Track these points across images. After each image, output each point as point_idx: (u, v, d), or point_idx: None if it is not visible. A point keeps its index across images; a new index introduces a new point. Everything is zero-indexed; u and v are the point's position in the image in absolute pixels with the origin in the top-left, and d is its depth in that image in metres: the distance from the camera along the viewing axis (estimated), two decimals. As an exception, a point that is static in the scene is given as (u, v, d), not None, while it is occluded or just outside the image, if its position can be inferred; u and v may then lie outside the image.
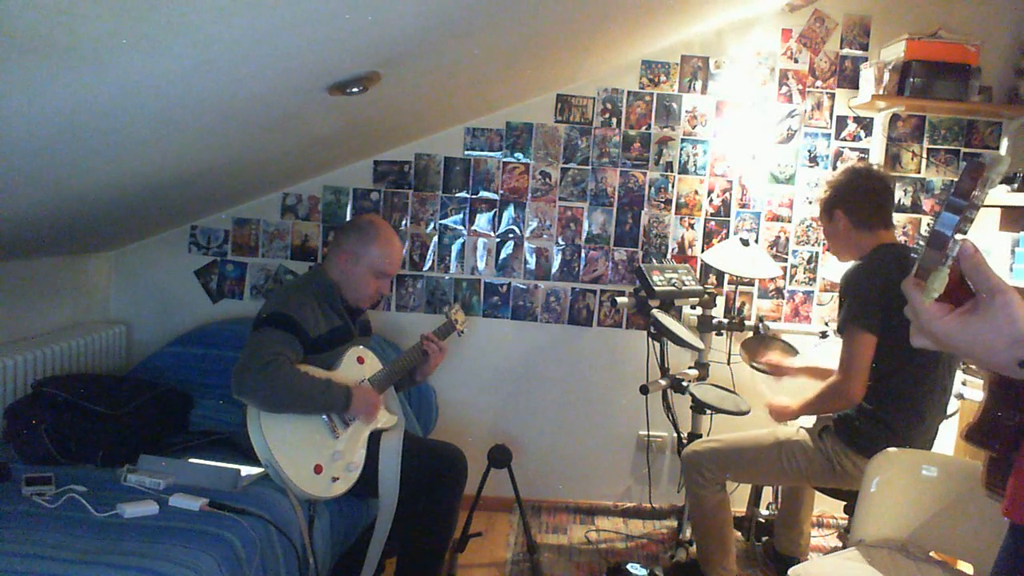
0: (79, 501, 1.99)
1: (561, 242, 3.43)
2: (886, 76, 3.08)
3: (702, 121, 3.37)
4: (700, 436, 3.04)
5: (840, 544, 3.20)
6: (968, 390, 2.87)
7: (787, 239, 3.43)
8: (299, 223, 3.41)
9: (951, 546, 2.14)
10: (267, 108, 2.00)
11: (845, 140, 3.39)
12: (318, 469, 2.21)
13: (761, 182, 3.40)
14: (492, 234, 3.43)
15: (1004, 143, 3.32)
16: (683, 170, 3.39)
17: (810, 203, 3.38)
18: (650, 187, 3.40)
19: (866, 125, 3.38)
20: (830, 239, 2.59)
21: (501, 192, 3.40)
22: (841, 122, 3.38)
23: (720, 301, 3.41)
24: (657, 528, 3.41)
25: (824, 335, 3.21)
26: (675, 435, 3.15)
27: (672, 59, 3.34)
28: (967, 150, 3.38)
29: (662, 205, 3.41)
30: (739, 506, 3.07)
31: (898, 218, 3.36)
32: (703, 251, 3.40)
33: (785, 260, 3.42)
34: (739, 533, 3.12)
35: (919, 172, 3.39)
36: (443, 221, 3.41)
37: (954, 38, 3.10)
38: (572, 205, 3.41)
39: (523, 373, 3.49)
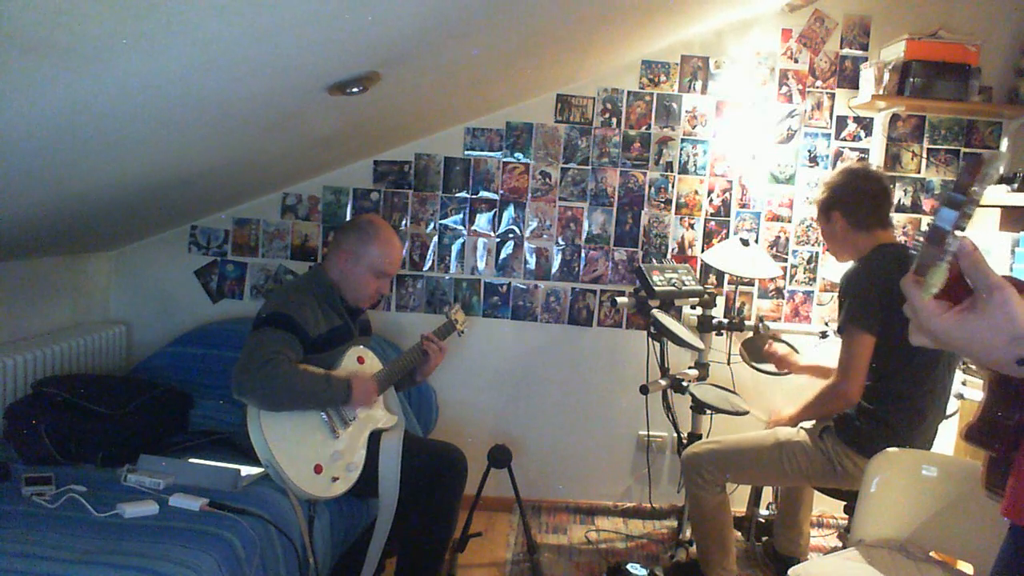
0: (79, 501, 1.99)
1: (561, 242, 3.43)
2: (886, 76, 3.08)
3: (702, 121, 3.37)
4: (700, 436, 3.04)
5: (840, 544, 3.20)
6: (968, 390, 2.87)
7: (787, 239, 3.43)
8: (299, 223, 3.41)
9: (951, 546, 2.14)
10: (267, 108, 2.00)
11: (845, 140, 3.39)
12: (318, 469, 2.21)
13: (761, 182, 3.40)
14: (492, 234, 3.43)
15: (1004, 143, 3.32)
16: (683, 170, 3.39)
17: (810, 203, 3.37)
18: (650, 187, 3.40)
19: (866, 125, 3.38)
20: (829, 240, 2.59)
21: (501, 192, 3.40)
22: (841, 122, 3.38)
23: (720, 301, 3.41)
24: (657, 528, 3.41)
25: (824, 335, 3.21)
26: (675, 435, 3.15)
27: (672, 59, 3.34)
28: (967, 150, 3.38)
29: (662, 205, 3.41)
30: (739, 506, 3.07)
31: (898, 218, 3.37)
32: (703, 251, 3.40)
33: (785, 260, 3.42)
34: (739, 533, 3.12)
35: (919, 172, 3.39)
36: (443, 221, 3.42)
37: (954, 38, 3.10)
38: (572, 205, 3.41)
39: (523, 373, 3.49)
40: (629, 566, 2.75)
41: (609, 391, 3.47)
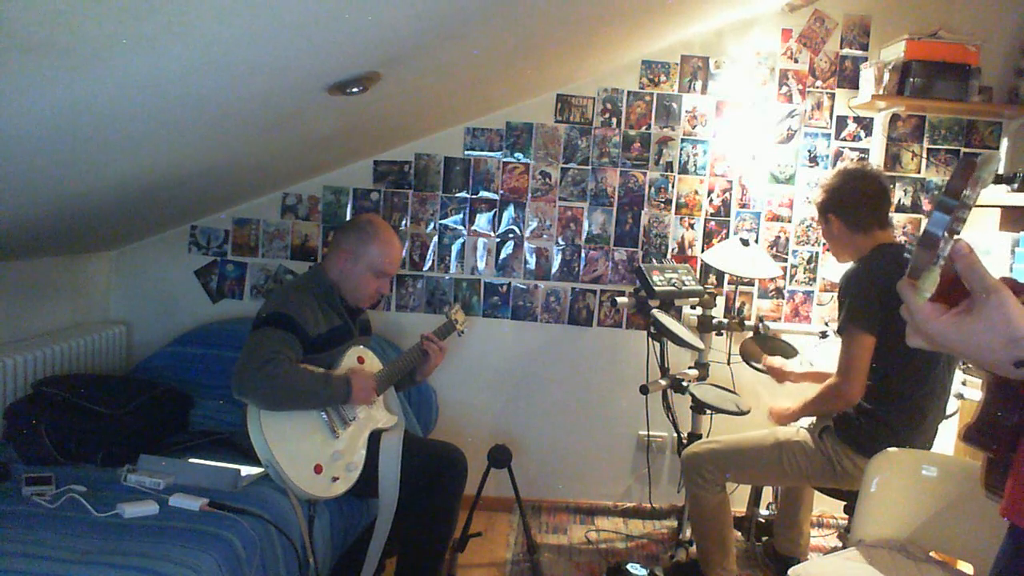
0: (79, 501, 1.99)
1: (561, 242, 3.43)
2: (886, 76, 3.08)
3: (702, 121, 3.37)
4: (700, 436, 3.04)
5: (840, 544, 3.20)
6: (968, 390, 2.87)
7: (787, 239, 3.43)
8: (299, 223, 3.41)
9: (951, 546, 2.14)
10: (267, 108, 2.00)
11: (845, 140, 3.39)
12: (318, 469, 2.21)
13: (761, 182, 3.40)
14: (492, 234, 3.43)
15: (1004, 143, 3.32)
16: (683, 170, 3.39)
17: (809, 203, 3.37)
18: (650, 187, 3.40)
19: (866, 125, 3.38)
20: (828, 241, 2.59)
21: (501, 192, 3.40)
22: (841, 122, 3.38)
23: (720, 301, 3.41)
24: (657, 528, 3.41)
25: (824, 335, 3.21)
26: (675, 435, 3.15)
27: (672, 59, 3.34)
28: (967, 150, 3.38)
29: (662, 205, 3.41)
30: (739, 506, 3.07)
31: (898, 218, 3.37)
32: (703, 251, 3.40)
33: (785, 260, 3.42)
34: (739, 533, 3.12)
35: (919, 172, 3.39)
36: (443, 221, 3.42)
37: (954, 38, 3.10)
38: (572, 205, 3.41)
39: (523, 373, 3.49)
40: (629, 566, 2.75)
41: (609, 391, 3.47)
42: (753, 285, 3.44)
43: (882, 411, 2.37)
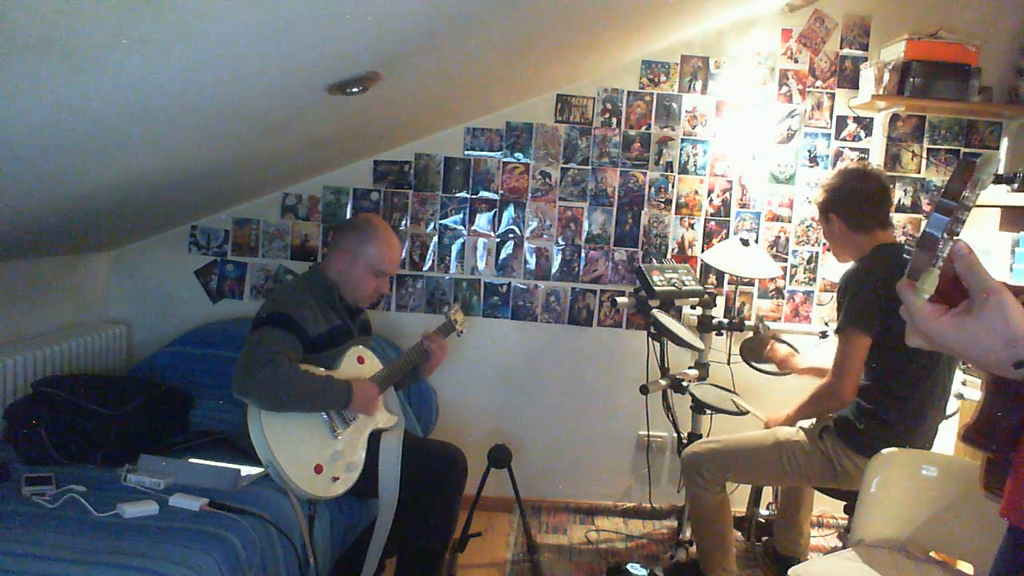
0: (79, 501, 1.98)
1: (561, 242, 3.43)
2: (886, 76, 3.08)
3: (702, 121, 3.37)
4: (700, 436, 3.03)
5: (840, 544, 3.20)
6: (968, 390, 2.87)
7: (787, 239, 3.43)
8: (299, 223, 3.41)
9: (951, 546, 2.14)
10: (267, 108, 2.00)
11: (845, 140, 3.39)
12: (318, 469, 2.21)
13: (761, 182, 3.40)
14: (492, 234, 3.43)
15: (1004, 143, 3.32)
16: (683, 170, 3.39)
17: (810, 203, 3.37)
18: (650, 187, 3.40)
19: (866, 125, 3.38)
20: (829, 241, 2.59)
21: (501, 192, 3.40)
22: (841, 122, 3.38)
23: (720, 301, 3.41)
24: (657, 528, 3.41)
25: (824, 335, 3.21)
26: (675, 435, 3.15)
27: (672, 59, 3.34)
28: (967, 150, 3.38)
29: (662, 205, 3.41)
30: (739, 506, 3.07)
31: (898, 218, 3.37)
32: (703, 251, 3.40)
33: (785, 260, 3.42)
34: (739, 533, 3.12)
35: (919, 172, 3.39)
36: (443, 221, 3.42)
37: (954, 38, 3.10)
38: (572, 205, 3.41)
39: (523, 373, 3.49)
40: (629, 566, 2.75)
41: (609, 391, 3.47)
42: (753, 285, 3.44)
43: (882, 411, 2.37)
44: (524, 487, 2.89)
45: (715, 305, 3.17)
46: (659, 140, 3.38)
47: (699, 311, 3.12)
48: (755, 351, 3.01)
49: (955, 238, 0.75)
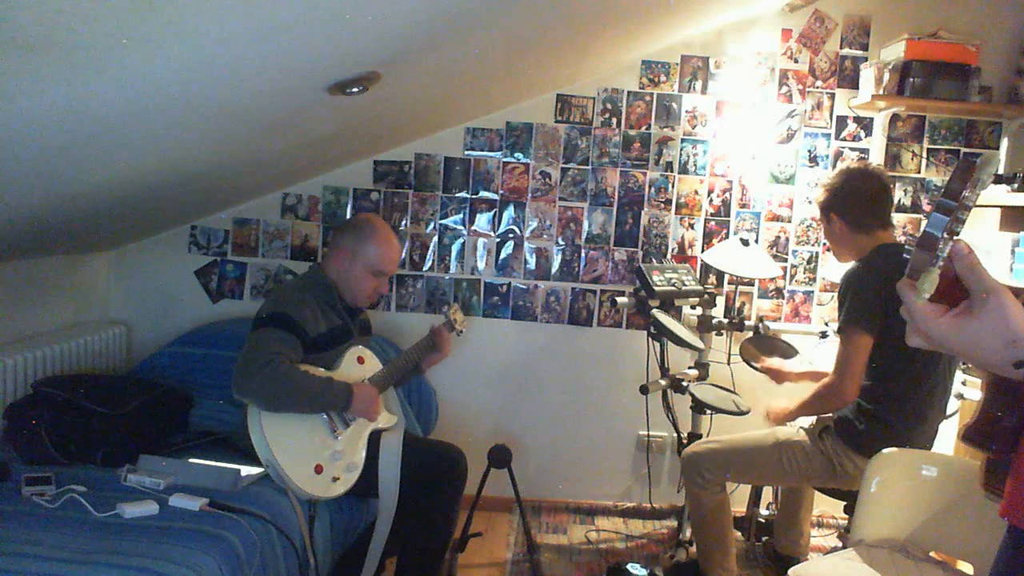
0: (79, 501, 1.99)
1: (561, 242, 3.43)
2: (886, 76, 3.08)
3: (702, 121, 3.37)
4: (700, 436, 3.03)
5: (840, 544, 3.20)
6: (968, 390, 2.87)
7: (787, 239, 3.43)
8: (299, 223, 3.41)
9: (951, 546, 2.14)
10: (267, 108, 2.00)
11: (845, 140, 3.39)
12: (318, 469, 2.21)
13: (761, 182, 3.40)
14: (492, 234, 3.43)
15: (1004, 143, 3.32)
16: (683, 170, 3.39)
17: (810, 203, 3.37)
18: (650, 187, 3.40)
19: (866, 125, 3.38)
20: (829, 241, 2.59)
21: (501, 192, 3.40)
22: (841, 122, 3.38)
23: (720, 301, 3.41)
24: (657, 528, 3.41)
25: (824, 335, 3.21)
26: (675, 435, 3.15)
27: (672, 59, 3.34)
28: (967, 150, 3.38)
29: (662, 205, 3.41)
30: (739, 506, 3.07)
31: (898, 218, 3.36)
32: (703, 251, 3.40)
33: (785, 260, 3.42)
34: (739, 533, 3.11)
35: (919, 172, 3.39)
36: (443, 221, 3.42)
37: (954, 38, 3.10)
38: (572, 205, 3.41)
39: (523, 373, 3.49)
40: (629, 566, 2.75)
41: (609, 391, 3.47)
42: (753, 285, 3.44)
43: (882, 411, 2.37)
44: (524, 487, 2.89)
45: (715, 305, 3.17)
46: (659, 140, 3.38)
47: (699, 311, 3.12)
48: (755, 351, 3.00)
49: (955, 238, 0.75)
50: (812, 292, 3.44)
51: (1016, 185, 2.93)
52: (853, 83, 3.34)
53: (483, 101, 3.18)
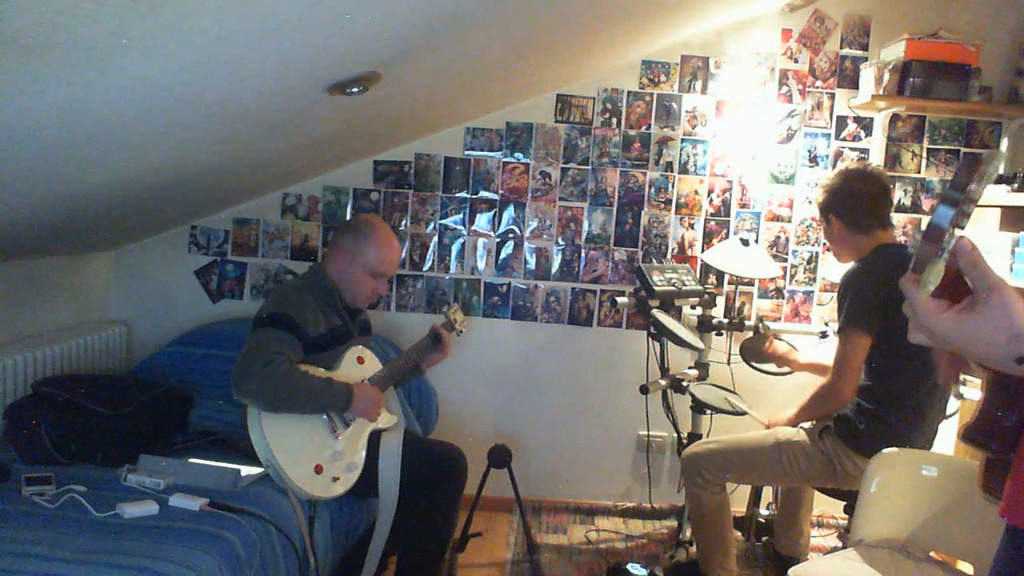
0: (79, 501, 1.99)
1: (561, 242, 3.43)
2: (886, 76, 3.08)
3: (702, 121, 3.37)
4: (700, 436, 3.03)
5: (840, 544, 3.20)
6: (968, 390, 2.87)
7: (787, 239, 3.43)
8: (299, 223, 3.41)
9: (951, 546, 2.14)
10: (267, 108, 2.00)
11: (845, 140, 3.39)
12: (318, 469, 2.21)
13: (761, 182, 3.40)
14: (492, 234, 3.43)
15: (1004, 143, 3.32)
16: (683, 170, 3.39)
17: (810, 203, 3.38)
18: (650, 187, 3.40)
19: (866, 125, 3.38)
20: (829, 241, 2.60)
21: (501, 192, 3.40)
22: (841, 122, 3.38)
23: (720, 301, 3.41)
24: (657, 528, 3.41)
25: (824, 335, 3.21)
26: (675, 435, 3.15)
27: (672, 59, 3.34)
28: (967, 150, 3.38)
29: (662, 205, 3.41)
30: (739, 506, 3.07)
31: (898, 218, 3.36)
32: (703, 251, 3.40)
33: (785, 260, 3.42)
34: (739, 533, 3.11)
35: (919, 172, 3.39)
36: (443, 221, 3.42)
37: (954, 38, 3.10)
38: (572, 205, 3.41)
39: (523, 373, 3.49)
40: (629, 566, 2.75)
41: (609, 391, 3.47)
42: (753, 285, 3.44)
43: (882, 411, 2.37)
44: (524, 487, 2.89)
45: (715, 305, 3.17)
46: (659, 140, 3.38)
47: (699, 311, 3.12)
48: (755, 351, 3.01)
49: (959, 233, 0.75)
50: (812, 292, 3.44)
51: (1016, 185, 2.92)
52: (853, 83, 3.34)
53: (483, 101, 3.18)
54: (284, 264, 3.42)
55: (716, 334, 3.16)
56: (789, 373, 2.95)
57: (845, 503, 2.77)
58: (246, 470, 2.24)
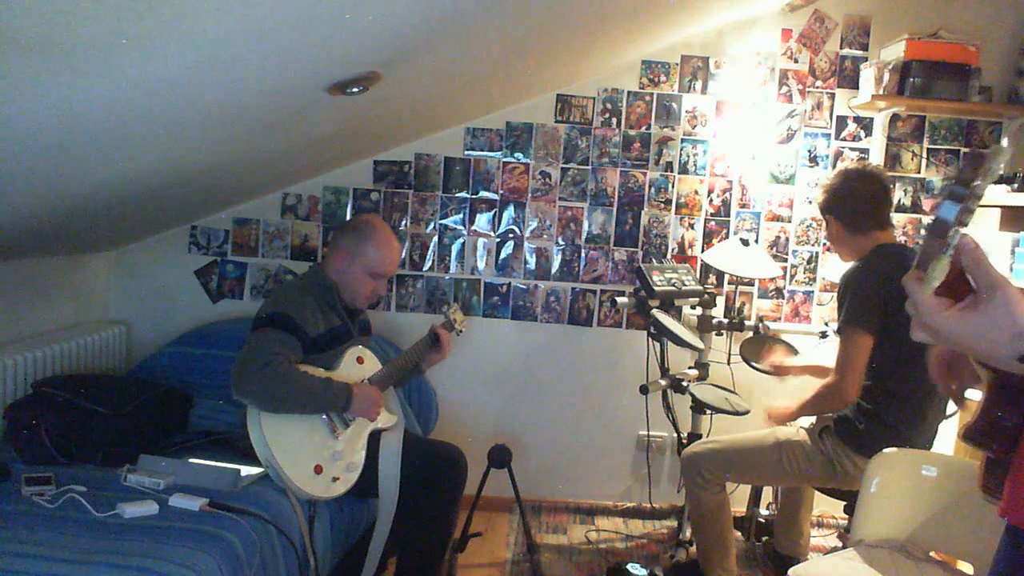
0: (79, 501, 1.99)
1: (561, 242, 3.43)
2: (886, 76, 3.08)
3: (702, 121, 3.37)
4: (700, 436, 3.04)
5: (840, 544, 3.20)
6: (969, 390, 2.87)
7: (787, 239, 3.42)
8: (299, 223, 3.41)
9: (951, 546, 2.14)
10: (267, 108, 2.00)
11: (845, 140, 3.39)
12: (318, 469, 2.21)
13: (761, 182, 3.40)
14: (492, 234, 3.43)
15: (1004, 143, 3.32)
16: (683, 170, 3.39)
17: (810, 203, 3.38)
18: (650, 187, 3.40)
19: (866, 125, 3.38)
20: (831, 241, 2.60)
21: (501, 192, 3.40)
22: (841, 122, 3.38)
23: (720, 301, 3.41)
24: (657, 528, 3.41)
25: (824, 335, 3.21)
26: (675, 435, 3.15)
27: (672, 59, 3.34)
28: (967, 150, 3.38)
29: (662, 205, 3.41)
30: (739, 506, 3.07)
31: (898, 218, 3.36)
32: (703, 251, 3.40)
33: (785, 260, 3.42)
34: (739, 533, 3.11)
35: (919, 172, 3.39)
36: (443, 221, 3.42)
37: (954, 38, 3.10)
38: (572, 205, 3.41)
39: (523, 373, 3.49)
40: (629, 566, 2.75)
41: (609, 391, 3.47)
42: (753, 285, 3.44)
43: (882, 411, 2.37)
44: (524, 487, 2.89)
45: (715, 305, 3.17)
46: (659, 140, 3.38)
47: (699, 311, 3.12)
48: (755, 351, 3.01)
49: (962, 231, 0.75)
50: (812, 292, 3.44)
51: (1016, 185, 2.93)
52: (853, 83, 3.34)
53: (483, 101, 3.18)
54: (284, 264, 3.42)
55: (716, 334, 3.16)
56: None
57: (845, 503, 2.77)
58: (246, 470, 2.24)
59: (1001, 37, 3.30)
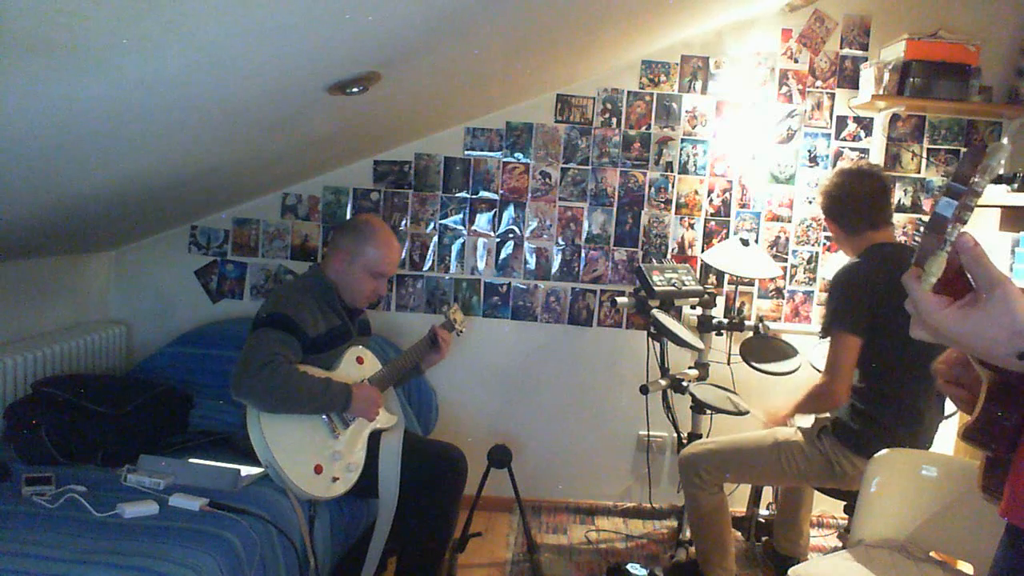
0: (79, 501, 1.99)
1: (561, 242, 3.43)
2: (886, 76, 3.08)
3: (702, 121, 3.37)
4: (700, 436, 3.04)
5: (840, 544, 3.20)
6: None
7: (787, 239, 3.42)
8: (299, 223, 3.41)
9: (951, 546, 2.14)
10: (267, 108, 2.00)
11: (845, 140, 3.39)
12: (318, 469, 2.20)
13: (761, 182, 3.40)
14: (492, 234, 3.43)
15: (1004, 143, 3.32)
16: (683, 170, 3.39)
17: (810, 203, 3.38)
18: (650, 187, 3.40)
19: (866, 125, 3.38)
20: (834, 240, 2.61)
21: (501, 192, 3.40)
22: (841, 122, 3.38)
23: (720, 301, 3.41)
24: (657, 528, 3.41)
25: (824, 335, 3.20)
26: (675, 435, 3.15)
27: (672, 59, 3.34)
28: (967, 150, 3.37)
29: (662, 205, 3.41)
30: (739, 506, 3.07)
31: (898, 218, 3.36)
32: (703, 251, 3.40)
33: (785, 260, 3.42)
34: (739, 533, 3.12)
35: (919, 172, 3.39)
36: (443, 221, 3.42)
37: (954, 38, 3.10)
38: (572, 205, 3.41)
39: (523, 373, 3.49)
40: (629, 566, 2.75)
41: (609, 391, 3.47)
42: (753, 285, 3.44)
43: (877, 412, 2.37)
44: (524, 487, 2.89)
45: (715, 305, 3.17)
46: (659, 140, 3.38)
47: (699, 311, 3.12)
48: (755, 351, 3.00)
49: (961, 230, 0.75)
50: (812, 292, 3.44)
51: (1016, 185, 2.92)
52: (853, 83, 3.34)
53: (483, 101, 3.18)
54: (284, 264, 3.42)
55: (716, 334, 3.16)
56: (790, 373, 2.95)
57: (845, 503, 2.77)
58: (246, 470, 2.24)
59: (1001, 37, 3.30)
